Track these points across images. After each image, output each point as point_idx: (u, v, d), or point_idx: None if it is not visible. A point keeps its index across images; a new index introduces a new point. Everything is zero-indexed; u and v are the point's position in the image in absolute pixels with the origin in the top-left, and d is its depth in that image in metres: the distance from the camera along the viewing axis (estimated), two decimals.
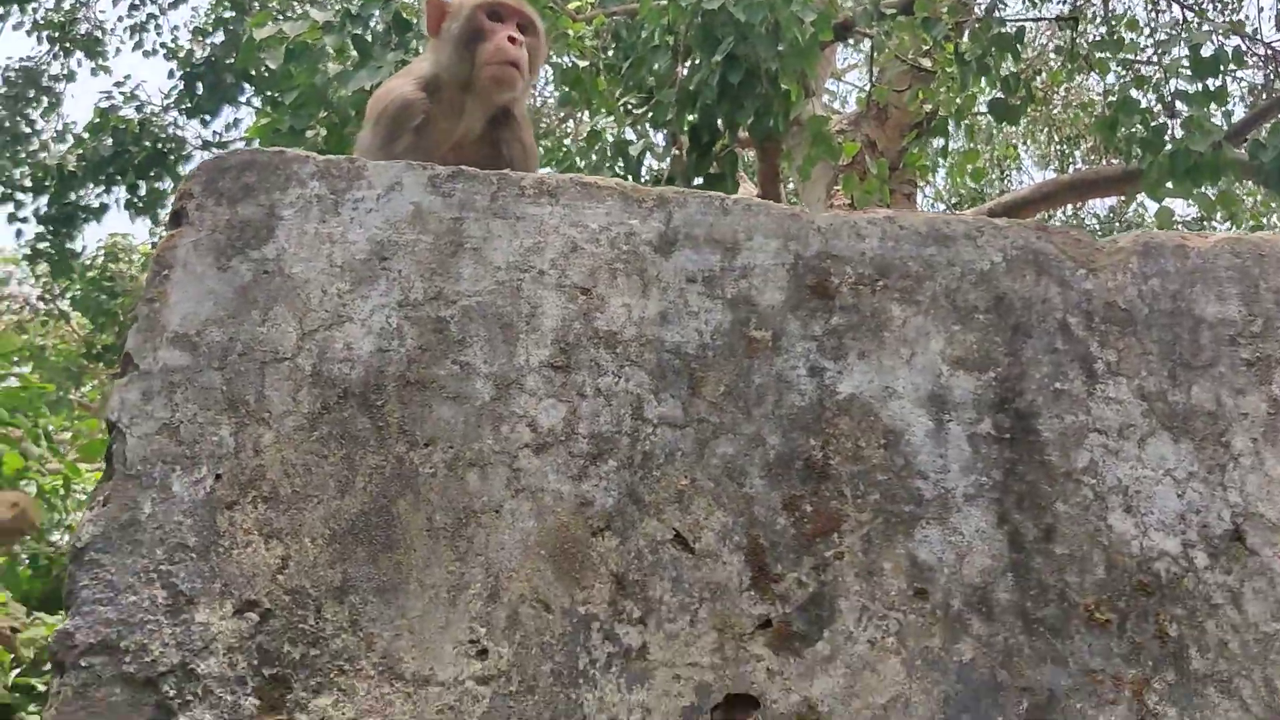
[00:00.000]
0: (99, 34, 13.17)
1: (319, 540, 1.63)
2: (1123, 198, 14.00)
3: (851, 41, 11.49)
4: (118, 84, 12.46)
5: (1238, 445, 1.78)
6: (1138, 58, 9.85)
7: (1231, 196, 8.47)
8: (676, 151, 6.94)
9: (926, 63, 8.89)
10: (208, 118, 11.80)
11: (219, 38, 11.54)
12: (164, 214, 11.64)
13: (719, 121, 6.52)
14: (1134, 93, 8.37)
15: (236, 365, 1.71)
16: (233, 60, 10.65)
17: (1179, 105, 7.97)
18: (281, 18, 7.12)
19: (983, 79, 8.20)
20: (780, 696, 1.61)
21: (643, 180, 7.16)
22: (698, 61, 6.59)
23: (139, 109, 12.15)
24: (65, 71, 13.13)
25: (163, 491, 1.63)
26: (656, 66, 6.92)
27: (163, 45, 12.77)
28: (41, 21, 12.91)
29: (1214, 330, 1.84)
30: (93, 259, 14.24)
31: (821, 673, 1.63)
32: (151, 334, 1.71)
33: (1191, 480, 1.76)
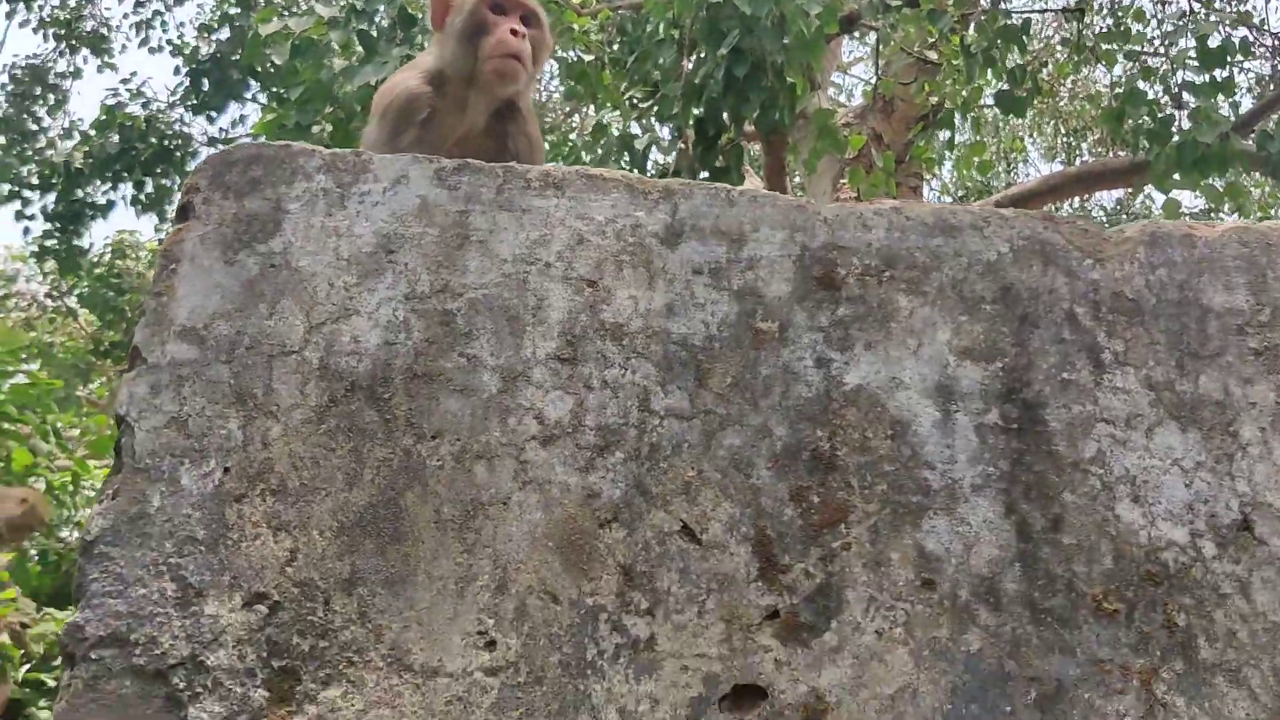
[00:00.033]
0: (105, 31, 13.20)
1: (327, 533, 1.63)
2: (1130, 190, 13.96)
3: (857, 34, 11.48)
4: (124, 81, 12.49)
5: (1246, 435, 1.78)
6: (1144, 49, 9.82)
7: (1239, 188, 8.46)
8: (682, 145, 6.94)
9: (932, 55, 8.88)
10: (214, 114, 11.82)
11: (224, 34, 11.54)
12: (170, 211, 11.67)
13: (724, 115, 6.51)
14: (1141, 84, 8.36)
15: (244, 358, 1.71)
16: (238, 56, 10.66)
17: (1186, 96, 7.95)
18: (287, 13, 7.13)
19: (989, 71, 8.18)
20: (788, 687, 1.62)
21: (648, 174, 7.15)
22: (703, 55, 6.58)
23: (145, 106, 12.18)
24: (71, 69, 13.15)
25: (171, 485, 1.64)
26: (662, 60, 6.92)
27: (168, 42, 12.80)
28: (48, 19, 12.94)
29: (1221, 320, 1.84)
30: (100, 256, 14.28)
31: (829, 663, 1.63)
32: (159, 327, 1.72)
33: (1199, 470, 1.76)
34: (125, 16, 13.28)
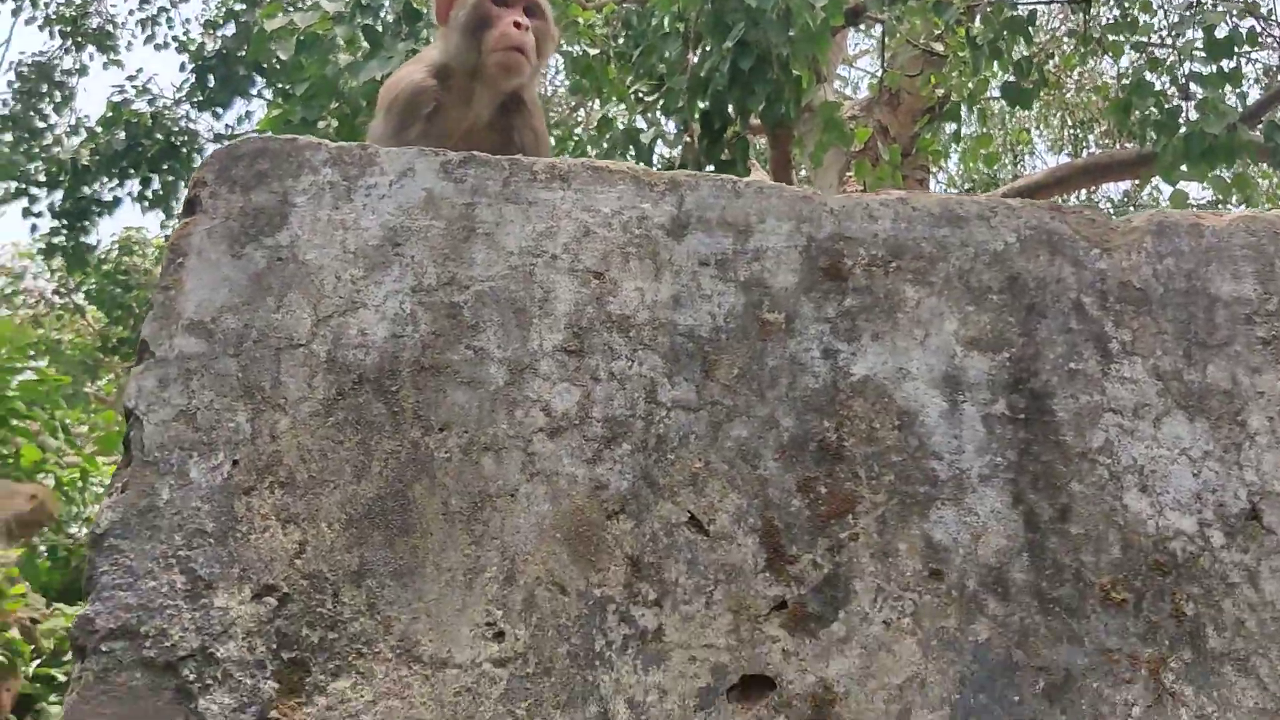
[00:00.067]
0: (110, 28, 13.21)
1: (336, 525, 1.63)
2: (1137, 181, 13.93)
3: (863, 26, 11.45)
4: (130, 78, 12.51)
5: (1254, 424, 1.77)
6: (1151, 40, 9.79)
7: (1247, 179, 8.43)
8: (688, 139, 6.93)
9: (938, 47, 8.86)
10: (219, 110, 11.83)
11: (230, 30, 11.55)
12: (177, 207, 11.69)
13: (730, 108, 6.50)
14: (1148, 75, 8.32)
15: (252, 352, 1.72)
16: (244, 52, 10.67)
17: (1193, 87, 7.92)
18: (292, 9, 7.13)
19: (995, 63, 8.17)
20: (796, 677, 1.62)
21: (654, 168, 7.14)
22: (708, 48, 6.58)
23: (151, 103, 12.19)
24: (77, 66, 13.17)
25: (180, 478, 1.64)
26: (667, 54, 6.91)
27: (174, 38, 12.81)
28: (53, 16, 12.96)
29: (1229, 309, 1.83)
30: (107, 253, 14.31)
31: (837, 654, 1.63)
32: (167, 321, 1.72)
33: (1207, 459, 1.76)
34: (131, 13, 13.34)
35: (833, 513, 1.70)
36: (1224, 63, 7.48)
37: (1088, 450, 1.75)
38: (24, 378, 7.16)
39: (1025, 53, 8.18)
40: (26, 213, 12.36)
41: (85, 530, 7.09)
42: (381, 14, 6.97)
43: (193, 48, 12.11)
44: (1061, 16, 12.31)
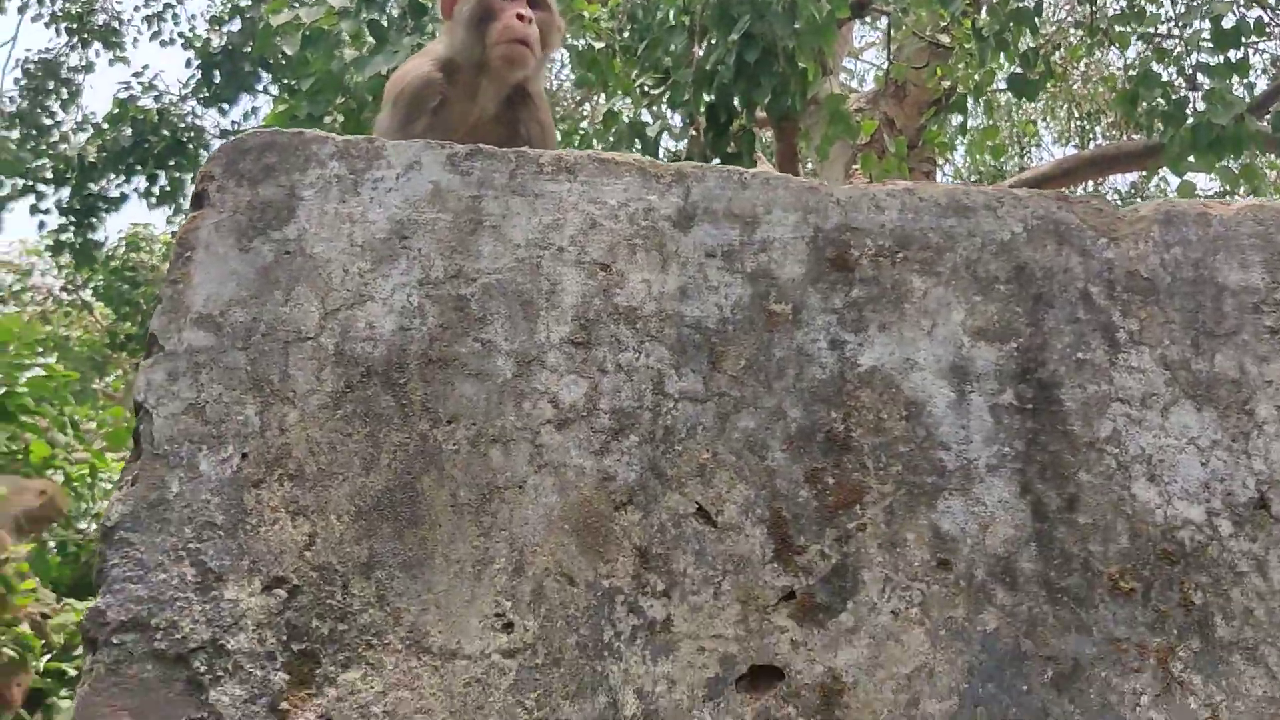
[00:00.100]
0: (116, 24, 13.23)
1: (345, 517, 1.64)
2: (1144, 173, 13.90)
3: (868, 19, 11.43)
4: (136, 74, 12.54)
5: (1262, 413, 1.77)
6: (1158, 31, 9.76)
7: (1254, 169, 8.41)
8: (694, 132, 6.93)
9: (944, 39, 8.85)
10: (225, 106, 11.86)
11: (235, 26, 11.57)
12: (183, 203, 11.72)
13: (736, 101, 6.50)
14: (1155, 66, 8.31)
15: (260, 345, 1.72)
16: (249, 48, 10.68)
17: (1200, 78, 7.90)
18: (297, 4, 7.13)
19: (1001, 54, 8.14)
20: (804, 667, 1.62)
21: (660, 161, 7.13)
22: (714, 41, 6.57)
23: (157, 99, 12.22)
24: (84, 63, 13.20)
25: (190, 470, 1.65)
26: (673, 47, 6.91)
27: (180, 35, 12.84)
28: (59, 13, 12.98)
29: (1237, 298, 1.83)
30: (114, 249, 14.34)
31: (845, 643, 1.64)
32: (176, 315, 1.73)
33: (1215, 448, 1.75)
34: (136, 9, 13.33)
35: (840, 503, 1.70)
36: (1231, 53, 7.46)
37: (1095, 440, 1.75)
38: (33, 374, 7.18)
39: (1031, 44, 8.17)
40: (34, 210, 12.40)
41: (94, 526, 7.12)
42: (386, 8, 6.98)
43: (198, 44, 12.13)
44: (1068, 7, 12.28)
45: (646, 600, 1.64)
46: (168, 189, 11.92)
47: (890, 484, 1.71)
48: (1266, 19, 9.08)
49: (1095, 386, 1.77)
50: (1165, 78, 8.27)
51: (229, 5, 11.83)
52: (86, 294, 15.79)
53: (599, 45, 7.84)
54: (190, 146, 11.84)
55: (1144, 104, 8.12)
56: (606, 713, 1.58)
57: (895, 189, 1.88)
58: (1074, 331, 1.80)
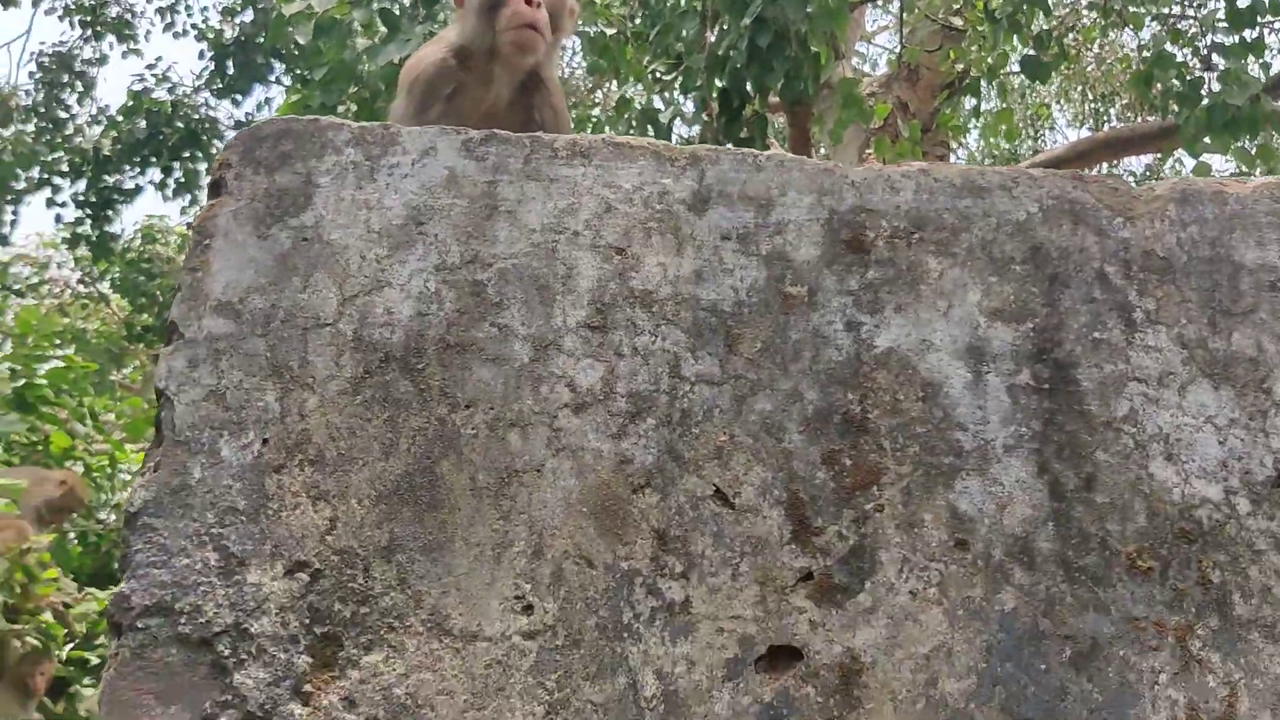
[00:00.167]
0: (129, 16, 13.26)
1: (365, 501, 1.65)
2: (1159, 155, 13.81)
3: (880, 2, 11.38)
4: (149, 66, 12.57)
5: (1279, 391, 1.77)
6: (1172, 11, 9.70)
7: (1270, 150, 8.35)
8: (706, 117, 6.92)
9: (957, 21, 8.81)
10: (239, 97, 11.88)
11: (248, 16, 11.59)
12: (199, 194, 11.76)
13: (748, 86, 6.48)
14: (1169, 47, 8.25)
15: (279, 332, 1.73)
16: (262, 39, 10.70)
17: (1215, 58, 7.85)
18: None
19: (1014, 36, 8.11)
20: (823, 648, 1.63)
21: None
22: (726, 26, 6.55)
23: (171, 91, 12.25)
24: (97, 55, 13.23)
25: (211, 456, 1.66)
26: (685, 32, 6.89)
27: (193, 26, 12.85)
28: (73, 6, 13.01)
29: (1254, 276, 1.82)
30: (129, 241, 14.40)
31: (864, 624, 1.64)
32: (195, 303, 1.74)
33: (1233, 427, 1.75)
34: (149, 1, 13.35)
35: (858, 484, 1.71)
36: (1246, 33, 7.41)
37: (1112, 419, 1.75)
38: (51, 365, 7.23)
39: (1045, 26, 8.12)
40: (50, 203, 12.46)
41: (114, 516, 7.17)
42: None
43: (211, 35, 12.15)
44: None
45: (665, 582, 1.65)
46: (182, 180, 11.96)
47: (907, 465, 1.72)
48: None
49: (1112, 366, 1.77)
50: (1180, 58, 8.22)
51: None
52: (103, 286, 15.87)
53: (610, 32, 7.83)
54: (204, 138, 11.89)
55: (1158, 85, 8.08)
56: (626, 693, 1.59)
57: (910, 170, 1.88)
58: (1090, 311, 1.80)
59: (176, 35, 12.97)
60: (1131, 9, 9.16)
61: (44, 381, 6.97)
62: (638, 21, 7.88)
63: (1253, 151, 7.90)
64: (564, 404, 1.72)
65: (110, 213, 12.20)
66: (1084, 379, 1.77)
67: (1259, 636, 1.65)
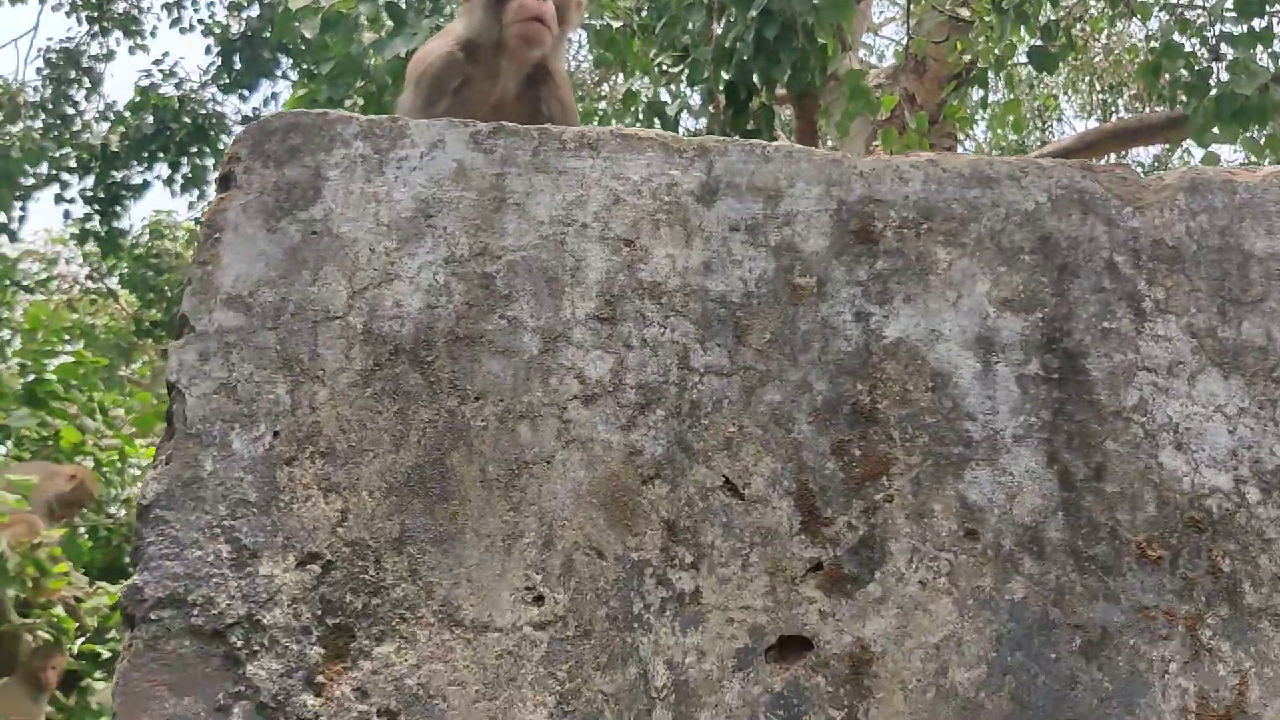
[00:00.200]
0: (136, 12, 13.27)
1: (376, 493, 1.66)
2: (1167, 145, 13.77)
3: None
4: (156, 62, 12.59)
5: None
6: (1180, 1, 9.66)
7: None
8: (713, 110, 6.91)
9: (964, 12, 8.78)
10: (246, 92, 11.89)
11: (254, 11, 11.59)
12: (206, 190, 11.78)
13: (755, 78, 6.47)
14: (1177, 36, 8.22)
15: (290, 325, 1.74)
16: (269, 33, 10.70)
17: (1224, 48, 7.82)
18: None
19: (1022, 27, 8.08)
20: (833, 637, 1.63)
21: None
22: (732, 18, 6.54)
23: (178, 86, 12.27)
24: (104, 51, 13.25)
25: (223, 449, 1.67)
26: (691, 24, 6.88)
27: (199, 21, 12.86)
28: (79, 1, 13.03)
29: (1264, 265, 1.82)
30: (137, 237, 14.43)
31: (874, 614, 1.65)
32: (206, 296, 1.75)
33: (1243, 416, 1.75)
34: None
35: (867, 475, 1.71)
36: (1255, 22, 7.38)
37: (1122, 409, 1.75)
38: (61, 361, 7.25)
39: (1052, 16, 8.10)
40: (58, 199, 12.49)
41: (125, 511, 7.19)
42: None
43: (218, 30, 12.16)
44: None
45: (675, 573, 1.65)
46: (190, 176, 11.98)
47: (917, 455, 1.72)
48: None
49: (1121, 355, 1.77)
50: (1188, 48, 8.19)
51: None
52: (112, 282, 15.90)
53: (617, 24, 7.83)
54: (211, 133, 11.90)
55: (1167, 75, 8.05)
56: (637, 683, 1.60)
57: (918, 160, 1.88)
58: (1099, 301, 1.80)
59: (183, 30, 12.97)
60: None
61: (54, 377, 6.99)
62: (644, 14, 7.87)
63: (1261, 141, 7.87)
64: (573, 395, 1.73)
65: (118, 208, 12.23)
66: (1093, 368, 1.77)
67: (1269, 625, 1.65)
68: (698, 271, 1.80)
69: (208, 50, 12.11)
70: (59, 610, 5.65)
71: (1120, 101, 14.96)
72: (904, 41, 9.72)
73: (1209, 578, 1.67)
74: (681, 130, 7.40)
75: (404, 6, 6.75)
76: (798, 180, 1.85)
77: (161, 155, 11.81)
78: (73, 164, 12.21)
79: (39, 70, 13.08)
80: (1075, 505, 1.70)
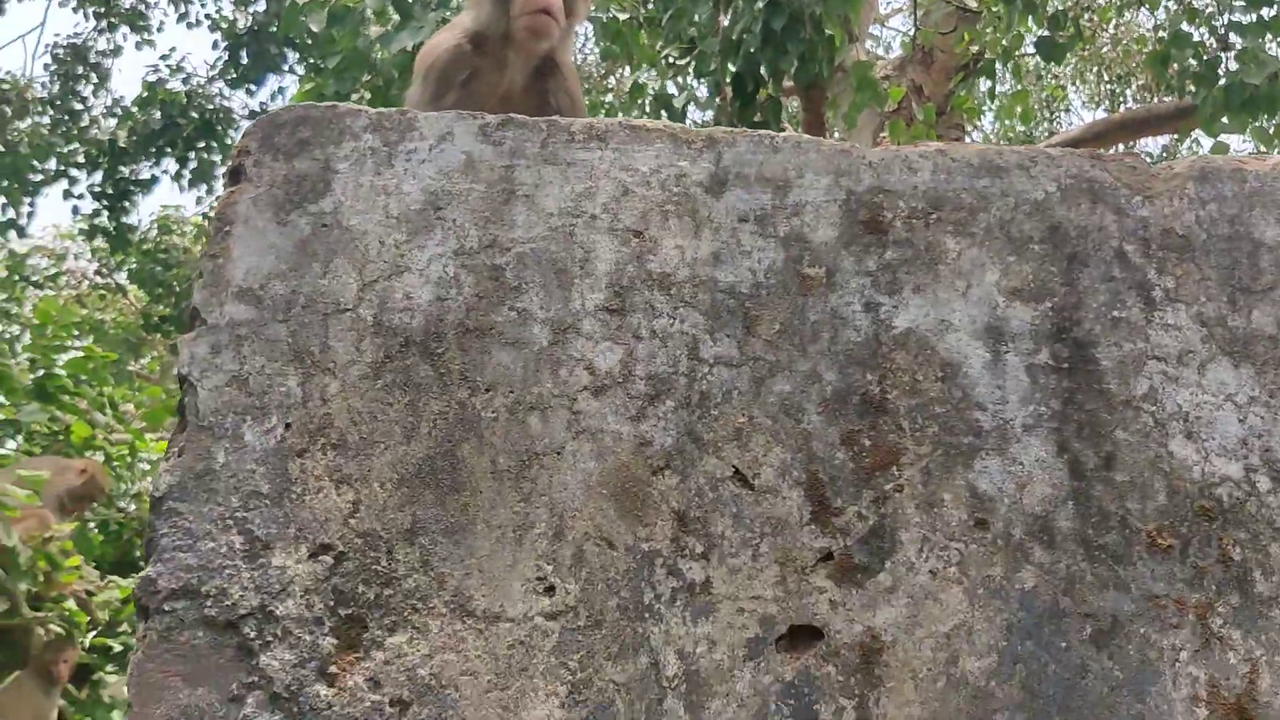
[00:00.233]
0: (143, 7, 13.28)
1: (388, 484, 1.67)
2: (1176, 135, 13.73)
3: None
4: (163, 57, 12.61)
5: None
6: None
7: None
8: (720, 102, 6.90)
9: (971, 3, 8.76)
10: (253, 87, 11.90)
11: (261, 6, 11.59)
12: (214, 184, 11.80)
13: (762, 69, 6.47)
14: (1186, 26, 8.19)
15: (300, 317, 1.74)
16: (275, 28, 10.71)
17: (1232, 37, 7.79)
18: None
19: (1029, 17, 8.06)
20: (844, 627, 1.64)
21: None
22: (739, 9, 6.53)
23: (185, 81, 12.28)
24: (111, 47, 13.26)
25: (235, 441, 1.67)
26: (698, 16, 6.87)
27: (206, 16, 12.87)
28: None
29: (1274, 253, 1.82)
30: (146, 232, 14.46)
31: (884, 603, 1.65)
32: (217, 289, 1.75)
33: (1253, 405, 1.75)
34: None
35: (877, 465, 1.71)
36: (1264, 11, 7.35)
37: (1132, 398, 1.75)
38: (70, 356, 7.27)
39: (1060, 6, 8.07)
40: (67, 194, 12.51)
41: (135, 505, 7.22)
42: None
43: (225, 25, 12.17)
44: None
45: (686, 563, 1.66)
46: (197, 171, 12.00)
47: (927, 445, 1.72)
48: None
49: (1131, 345, 1.77)
50: (1197, 37, 8.16)
51: None
52: (120, 277, 15.94)
53: (623, 17, 7.82)
54: (219, 128, 11.92)
55: (1175, 65, 8.02)
56: (649, 673, 1.60)
57: (927, 150, 1.87)
58: (1109, 290, 1.80)
59: (190, 25, 12.99)
60: None
61: (63, 372, 7.01)
62: (650, 6, 7.86)
63: (1271, 130, 7.84)
64: (583, 387, 1.73)
65: (127, 204, 12.25)
66: (1103, 358, 1.76)
67: None
68: (707, 262, 1.80)
69: (214, 45, 12.12)
70: (70, 604, 5.68)
71: (1128, 92, 14.91)
72: (911, 32, 9.70)
73: (1219, 566, 1.67)
74: (689, 122, 7.39)
75: (410, 0, 6.75)
76: (806, 171, 1.85)
77: (169, 150, 11.83)
78: (81, 160, 12.23)
79: (46, 66, 13.11)
80: (1085, 494, 1.70)
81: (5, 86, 12.82)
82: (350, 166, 1.83)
